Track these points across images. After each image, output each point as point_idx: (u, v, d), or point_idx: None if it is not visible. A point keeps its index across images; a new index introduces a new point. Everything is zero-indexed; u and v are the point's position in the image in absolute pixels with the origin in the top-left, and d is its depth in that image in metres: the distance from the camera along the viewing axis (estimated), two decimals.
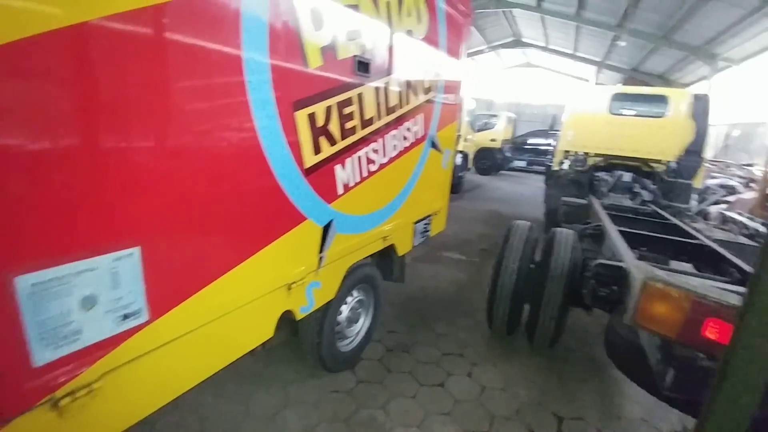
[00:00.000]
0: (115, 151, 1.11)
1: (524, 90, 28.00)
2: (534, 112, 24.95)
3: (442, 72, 3.13)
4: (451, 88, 3.37)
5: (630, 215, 5.18)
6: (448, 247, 5.85)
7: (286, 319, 1.98)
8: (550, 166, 7.77)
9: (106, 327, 1.16)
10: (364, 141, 2.27)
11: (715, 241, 3.77)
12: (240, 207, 1.58)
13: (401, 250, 2.99)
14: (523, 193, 12.05)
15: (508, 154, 15.89)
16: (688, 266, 3.49)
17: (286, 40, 1.64)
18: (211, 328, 1.52)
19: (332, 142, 2.03)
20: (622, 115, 6.57)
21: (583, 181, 6.76)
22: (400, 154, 2.67)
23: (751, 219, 5.51)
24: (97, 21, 1.01)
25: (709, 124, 6.04)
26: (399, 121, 2.59)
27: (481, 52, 23.73)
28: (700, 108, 6.01)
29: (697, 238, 3.66)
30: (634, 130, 6.40)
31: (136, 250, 1.20)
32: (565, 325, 2.95)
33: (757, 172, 9.72)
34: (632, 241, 3.11)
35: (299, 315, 2.04)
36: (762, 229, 4.86)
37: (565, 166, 6.83)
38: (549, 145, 14.41)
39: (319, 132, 1.94)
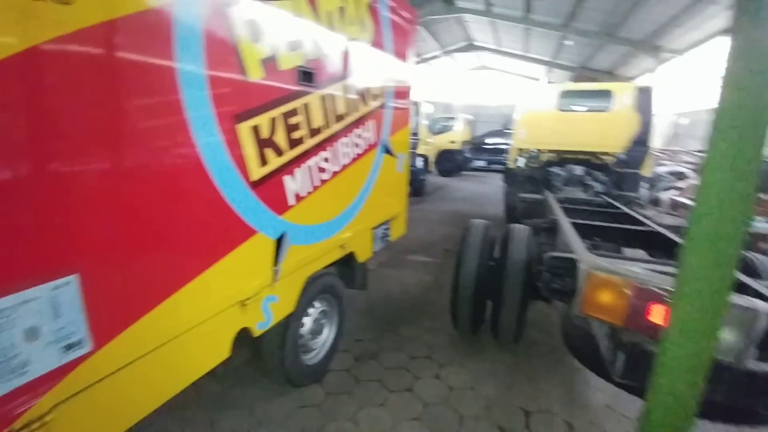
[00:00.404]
0: (46, 176, 1.07)
1: (480, 92, 28.85)
2: (490, 113, 25.73)
3: (390, 78, 3.16)
4: (401, 93, 3.40)
5: (583, 207, 5.40)
6: (413, 250, 5.88)
7: (246, 336, 1.91)
8: (507, 164, 8.02)
9: (52, 358, 1.13)
10: (313, 150, 2.24)
11: (665, 226, 4.00)
12: (184, 225, 1.53)
13: (362, 257, 2.97)
14: (485, 191, 12.36)
15: (468, 155, 16.28)
16: (641, 252, 3.68)
17: (224, 54, 1.61)
18: (161, 353, 1.47)
19: (279, 153, 1.99)
20: (570, 111, 6.88)
21: (538, 177, 7.02)
22: (353, 161, 2.66)
23: None
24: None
25: (654, 114, 6.42)
26: (349, 128, 2.58)
27: (436, 57, 24.28)
28: (643, 100, 6.38)
29: (647, 225, 3.86)
30: (583, 125, 6.72)
31: (73, 278, 1.15)
32: (526, 319, 3.03)
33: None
34: (585, 232, 3.23)
35: (257, 332, 1.97)
36: None
37: (521, 163, 7.07)
38: (506, 144, 14.87)
39: (265, 144, 1.90)
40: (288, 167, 2.05)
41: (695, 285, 0.86)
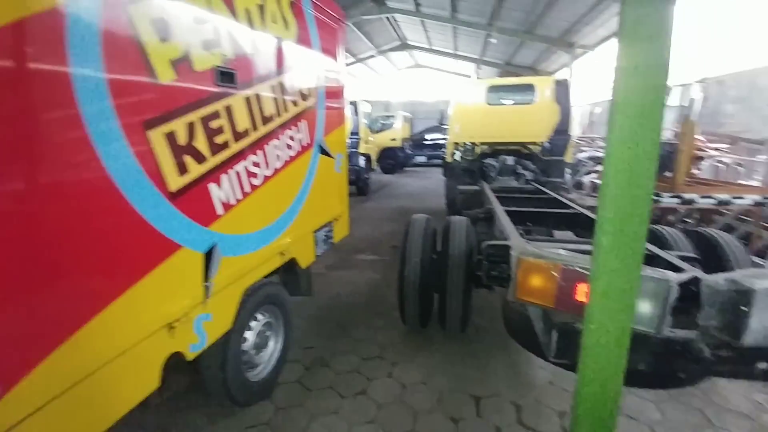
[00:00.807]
0: None
1: (417, 89, 29.52)
2: (428, 110, 26.38)
3: (320, 77, 3.09)
4: (334, 92, 3.34)
5: (516, 195, 5.71)
6: (361, 250, 5.85)
7: (182, 360, 1.76)
8: (445, 158, 8.26)
9: None
10: (240, 155, 2.11)
11: (588, 207, 4.33)
12: (92, 248, 1.36)
13: (304, 263, 2.87)
14: (427, 186, 12.65)
15: (409, 151, 16.60)
16: (569, 234, 3.95)
17: (127, 55, 1.45)
18: (77, 391, 1.30)
19: (201, 159, 1.85)
20: (498, 105, 7.24)
21: (474, 168, 7.32)
22: (286, 163, 2.56)
23: None
24: None
25: (572, 105, 6.93)
26: (279, 130, 2.48)
27: (372, 57, 24.43)
28: (561, 92, 6.87)
29: (572, 208, 4.15)
30: (510, 118, 7.10)
31: None
32: (471, 307, 3.12)
33: None
34: (518, 218, 3.40)
35: (190, 355, 1.82)
36: None
37: (457, 157, 7.32)
38: (444, 139, 15.38)
39: (183, 151, 1.75)
40: (212, 174, 1.91)
41: (609, 263, 0.91)
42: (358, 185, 10.16)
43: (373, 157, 11.61)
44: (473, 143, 7.24)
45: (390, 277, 4.76)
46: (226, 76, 2.01)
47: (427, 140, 18.00)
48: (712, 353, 1.24)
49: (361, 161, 9.97)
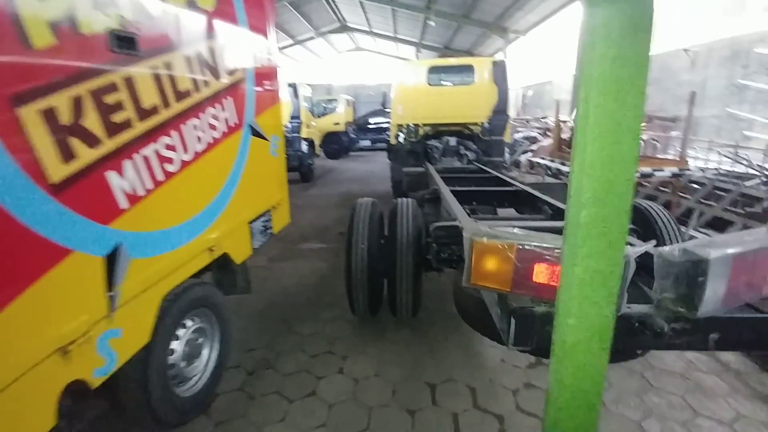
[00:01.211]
0: None
1: (359, 73, 28.97)
2: (370, 93, 26.05)
3: (249, 52, 2.75)
4: (264, 70, 3.02)
5: (461, 175, 5.73)
6: (307, 238, 5.58)
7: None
8: (389, 141, 8.12)
9: None
10: (148, 136, 1.77)
11: (528, 184, 4.41)
12: None
13: (239, 258, 2.58)
14: (373, 170, 12.49)
15: (353, 136, 16.29)
16: (511, 211, 4.00)
17: None
18: None
19: (93, 142, 1.50)
20: (439, 86, 7.19)
21: (418, 150, 7.26)
22: (210, 146, 2.23)
23: (552, 161, 6.73)
24: None
25: (509, 86, 7.05)
26: (198, 108, 2.14)
27: (311, 38, 23.48)
28: (499, 73, 6.95)
29: (514, 186, 4.20)
30: (451, 98, 7.10)
31: None
32: (422, 291, 3.03)
33: (551, 122, 12.01)
34: (463, 198, 3.34)
35: (95, 381, 1.51)
36: (561, 167, 6.01)
37: (401, 139, 7.21)
38: (388, 122, 15.25)
39: (68, 131, 1.40)
40: (110, 160, 1.57)
41: (589, 243, 0.79)
42: (302, 171, 9.74)
43: (317, 142, 11.18)
44: (416, 125, 7.16)
45: (338, 265, 4.56)
46: (124, 42, 1.66)
47: (371, 124, 17.76)
48: (669, 327, 1.21)
49: (304, 146, 9.53)
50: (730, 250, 1.20)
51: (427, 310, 3.39)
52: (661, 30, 10.89)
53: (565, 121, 8.60)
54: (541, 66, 19.38)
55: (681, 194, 5.57)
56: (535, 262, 1.24)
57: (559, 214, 2.89)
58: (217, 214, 2.30)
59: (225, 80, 2.41)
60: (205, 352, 2.38)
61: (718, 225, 4.70)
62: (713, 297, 1.20)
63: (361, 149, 17.63)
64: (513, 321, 1.27)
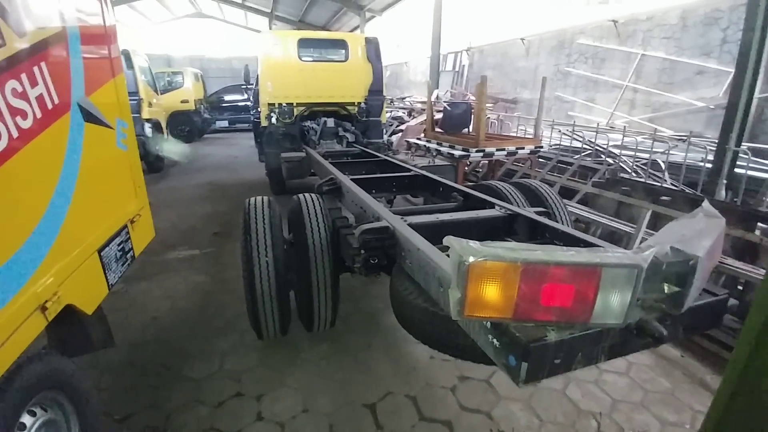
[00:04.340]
0: None
1: (204, 43, 25.37)
2: (220, 67, 23.24)
3: (62, 6, 1.85)
4: (96, 27, 2.13)
5: (349, 160, 5.42)
6: (172, 245, 4.56)
7: None
8: (257, 122, 7.25)
9: None
10: None
11: (423, 167, 4.36)
12: None
13: (90, 305, 1.77)
14: (237, 155, 11.22)
15: (208, 116, 14.33)
16: (409, 196, 3.89)
17: None
18: None
19: None
20: (311, 62, 6.63)
21: (294, 133, 6.64)
22: (16, 142, 1.41)
23: (428, 141, 6.91)
24: None
25: (383, 64, 6.89)
26: None
27: None
28: (372, 50, 6.73)
29: (411, 170, 4.08)
30: (326, 76, 6.62)
31: None
32: (340, 297, 2.67)
33: (418, 104, 12.46)
34: (363, 186, 3.06)
35: None
36: (440, 149, 6.19)
37: (274, 119, 6.47)
38: (248, 100, 13.77)
39: None
40: None
41: None
42: (149, 160, 8.05)
43: (163, 124, 9.34)
44: (290, 104, 6.50)
45: (221, 274, 3.82)
46: None
47: (226, 102, 15.85)
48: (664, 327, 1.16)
49: (148, 129, 7.82)
50: (706, 243, 1.20)
51: (344, 314, 3.05)
52: (502, 21, 12.26)
53: (435, 102, 8.99)
54: (397, 47, 20.05)
55: (537, 169, 6.37)
56: (544, 283, 1.03)
57: (471, 200, 2.83)
58: (45, 247, 1.49)
59: (28, 39, 1.55)
60: None
61: (566, 194, 5.49)
62: (695, 293, 1.19)
63: (218, 131, 15.72)
64: (526, 359, 1.06)
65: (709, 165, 4.85)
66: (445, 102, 9.38)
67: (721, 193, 4.63)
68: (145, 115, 7.83)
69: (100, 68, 2.16)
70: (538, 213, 2.48)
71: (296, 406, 2.21)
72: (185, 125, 12.91)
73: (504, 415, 2.18)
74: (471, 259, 1.02)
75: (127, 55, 7.43)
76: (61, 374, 1.59)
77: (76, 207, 1.72)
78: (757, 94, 4.79)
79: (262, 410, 2.18)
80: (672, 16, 7.47)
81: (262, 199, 2.64)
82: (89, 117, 1.95)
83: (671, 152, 5.24)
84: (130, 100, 8.36)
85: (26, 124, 1.45)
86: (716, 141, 4.98)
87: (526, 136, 6.88)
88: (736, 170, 4.67)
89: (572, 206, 4.69)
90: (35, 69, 1.54)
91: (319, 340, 2.79)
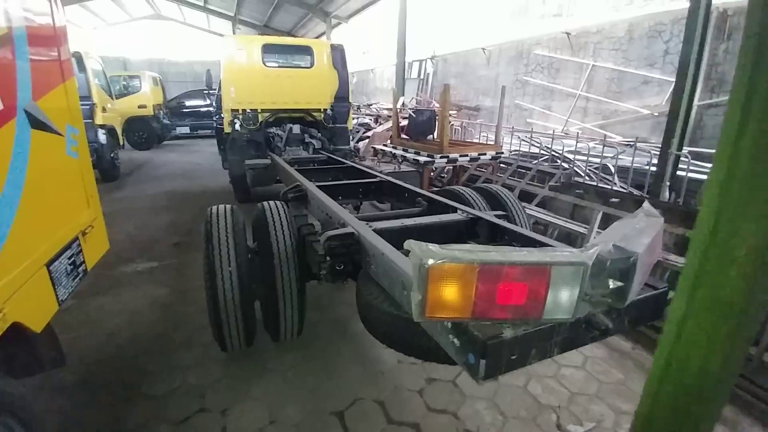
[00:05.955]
0: None
1: (164, 46, 24.50)
2: (181, 71, 22.56)
3: (10, 7, 1.76)
4: (44, 28, 2.03)
5: (315, 167, 5.40)
6: (129, 257, 4.36)
7: None
8: (220, 128, 7.08)
9: None
10: None
11: (388, 174, 4.42)
12: None
13: (38, 323, 1.68)
14: (199, 162, 10.88)
15: (167, 121, 13.81)
16: (375, 202, 3.93)
17: None
18: None
19: None
20: (276, 68, 6.57)
21: (259, 139, 6.54)
22: None
23: (395, 147, 6.99)
24: None
25: (349, 71, 6.93)
26: None
27: None
28: (337, 57, 6.76)
29: (375, 176, 4.13)
30: (291, 83, 6.58)
31: None
32: (306, 305, 2.65)
33: (384, 110, 12.56)
34: (329, 193, 3.08)
35: None
36: (406, 155, 6.28)
37: (237, 126, 6.35)
38: (211, 105, 13.41)
39: None
40: None
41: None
42: (103, 168, 7.66)
43: (118, 130, 8.92)
44: (255, 110, 6.40)
45: (182, 286, 3.70)
46: None
47: (187, 108, 15.34)
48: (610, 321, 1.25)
49: (102, 136, 7.45)
50: (645, 240, 1.31)
51: (311, 322, 3.02)
52: (464, 31, 12.65)
53: (401, 109, 9.10)
54: (363, 54, 20.19)
55: (499, 174, 6.59)
56: (499, 282, 1.09)
57: (435, 205, 2.91)
58: None
59: None
60: None
61: (526, 197, 5.72)
62: (637, 286, 1.29)
63: (179, 137, 15.19)
64: (484, 356, 1.11)
65: (654, 168, 5.21)
66: (410, 109, 9.54)
67: (665, 195, 4.98)
68: (98, 120, 7.47)
69: (48, 71, 2.06)
70: (498, 216, 2.57)
71: (263, 417, 2.17)
72: (143, 131, 12.40)
73: (470, 414, 2.24)
74: (430, 261, 1.07)
75: (79, 58, 7.07)
76: (9, 397, 1.49)
77: (22, 219, 1.63)
78: (696, 102, 5.20)
79: (227, 425, 2.12)
80: (619, 29, 7.99)
81: (225, 207, 2.60)
82: (37, 123, 1.86)
83: (620, 157, 5.58)
84: (83, 105, 7.98)
85: None
86: (660, 146, 5.36)
87: (488, 143, 7.11)
88: (679, 173, 5.04)
89: (531, 209, 4.89)
90: None
91: (286, 349, 2.75)
